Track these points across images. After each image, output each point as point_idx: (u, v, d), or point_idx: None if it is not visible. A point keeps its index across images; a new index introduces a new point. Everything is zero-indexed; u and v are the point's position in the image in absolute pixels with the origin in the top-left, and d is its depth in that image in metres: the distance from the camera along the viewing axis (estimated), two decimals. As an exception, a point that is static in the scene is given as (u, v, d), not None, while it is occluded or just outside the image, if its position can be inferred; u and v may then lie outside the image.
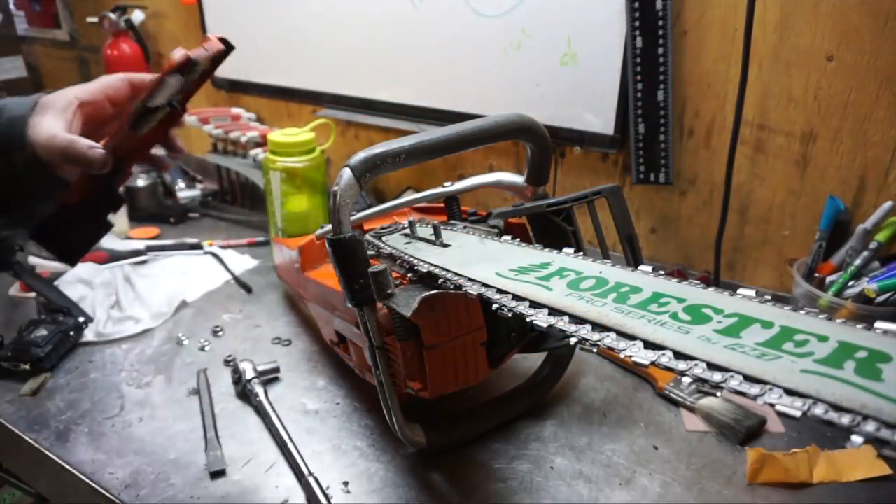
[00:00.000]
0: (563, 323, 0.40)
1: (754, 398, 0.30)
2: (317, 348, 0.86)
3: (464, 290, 0.49)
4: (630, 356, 0.35)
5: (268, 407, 0.71)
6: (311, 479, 0.60)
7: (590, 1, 0.91)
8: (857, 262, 0.77)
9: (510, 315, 0.44)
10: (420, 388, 0.61)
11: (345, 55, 1.25)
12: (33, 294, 0.94)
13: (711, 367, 0.32)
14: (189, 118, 1.35)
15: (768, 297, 0.38)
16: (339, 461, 0.64)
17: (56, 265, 1.01)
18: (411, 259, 0.57)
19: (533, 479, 0.61)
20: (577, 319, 0.40)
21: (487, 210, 0.71)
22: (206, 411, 0.72)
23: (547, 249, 0.53)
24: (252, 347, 0.86)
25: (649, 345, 0.35)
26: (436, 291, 0.53)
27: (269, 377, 0.77)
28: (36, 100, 0.57)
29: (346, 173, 0.54)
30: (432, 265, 0.54)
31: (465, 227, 0.65)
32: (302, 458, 0.63)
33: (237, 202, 1.43)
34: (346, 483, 0.61)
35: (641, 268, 0.45)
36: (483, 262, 0.53)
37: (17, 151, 0.55)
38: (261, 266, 1.11)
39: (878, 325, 0.32)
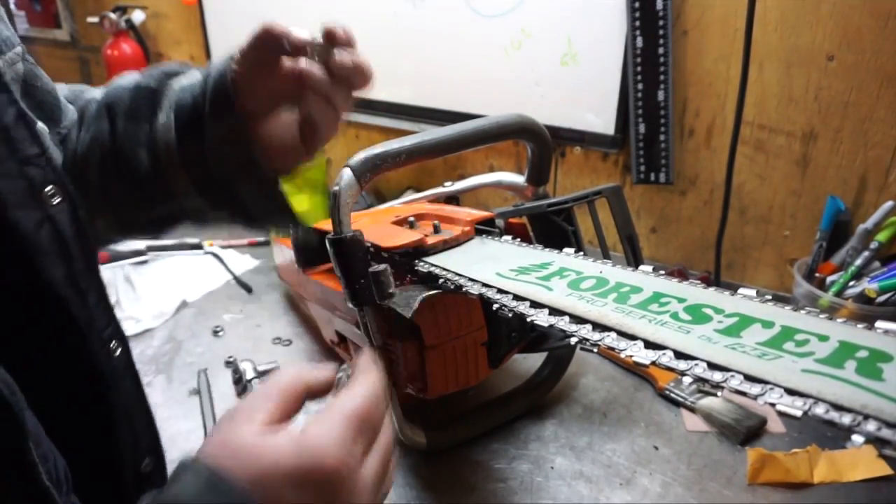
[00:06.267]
0: (563, 323, 0.40)
1: (755, 398, 0.30)
2: (317, 348, 0.86)
3: (464, 290, 0.49)
4: (631, 356, 0.35)
5: (268, 407, 0.71)
6: (311, 479, 0.60)
7: (590, 1, 0.91)
8: (858, 261, 0.77)
9: (511, 315, 0.44)
10: (420, 389, 0.61)
11: (345, 55, 1.25)
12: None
13: (712, 366, 0.32)
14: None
15: (769, 297, 0.38)
16: (339, 461, 0.64)
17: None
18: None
19: (533, 479, 0.61)
20: (578, 319, 0.40)
21: (487, 210, 0.71)
22: (206, 411, 0.72)
23: (547, 249, 0.53)
24: (252, 347, 0.86)
25: (650, 344, 0.36)
26: (436, 291, 0.53)
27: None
28: (231, 55, 0.48)
29: (347, 173, 0.54)
30: (433, 265, 0.54)
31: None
32: (302, 458, 0.63)
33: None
34: (346, 483, 0.61)
35: (642, 268, 0.45)
36: (483, 262, 0.53)
37: (226, 119, 0.46)
38: (261, 266, 1.11)
39: (879, 324, 0.32)
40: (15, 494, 0.30)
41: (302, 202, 1.07)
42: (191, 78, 0.49)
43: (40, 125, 0.42)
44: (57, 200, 0.37)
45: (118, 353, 0.40)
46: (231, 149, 0.47)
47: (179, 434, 0.69)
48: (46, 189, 0.36)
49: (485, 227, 0.63)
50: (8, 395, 0.29)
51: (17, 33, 0.45)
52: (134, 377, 0.43)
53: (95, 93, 0.53)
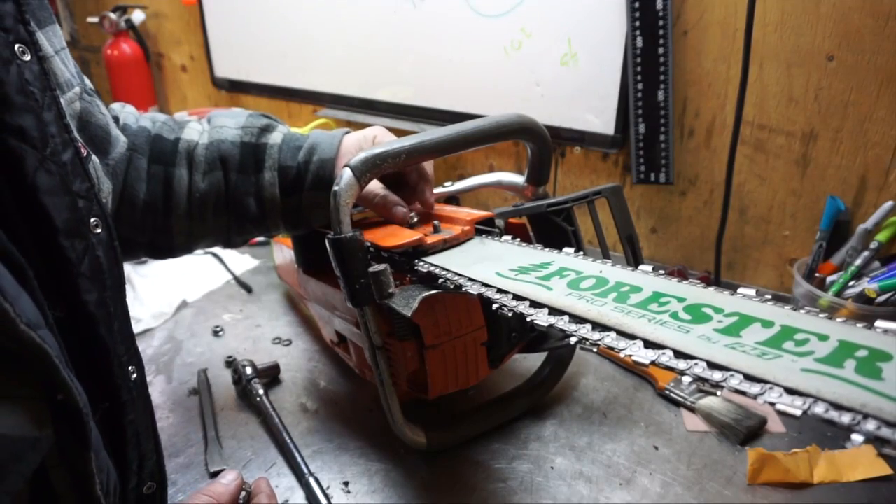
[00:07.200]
0: (563, 322, 0.40)
1: (755, 397, 0.30)
2: (317, 348, 0.86)
3: (464, 289, 0.49)
4: (630, 355, 0.35)
5: (268, 407, 0.71)
6: (311, 479, 0.60)
7: (590, 1, 0.91)
8: (858, 261, 0.77)
9: (510, 315, 0.44)
10: (420, 389, 0.61)
11: (345, 55, 1.25)
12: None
13: (712, 366, 0.32)
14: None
15: (768, 297, 0.38)
16: (339, 461, 0.64)
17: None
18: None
19: (533, 479, 0.61)
20: (578, 319, 0.40)
21: (487, 210, 0.71)
22: (206, 411, 0.72)
23: (547, 249, 0.53)
24: (252, 347, 0.86)
25: (649, 344, 0.36)
26: (436, 291, 0.53)
27: (270, 377, 0.77)
28: (341, 139, 0.63)
29: (347, 173, 0.54)
30: (433, 265, 0.54)
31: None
32: (302, 458, 0.63)
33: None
34: (346, 483, 0.61)
35: (642, 267, 0.45)
36: (483, 261, 0.53)
37: (324, 191, 0.61)
38: (261, 266, 1.11)
39: (879, 323, 0.32)
40: (70, 501, 0.33)
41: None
42: (287, 140, 0.64)
43: (94, 159, 0.48)
44: (98, 231, 0.39)
45: (134, 377, 0.43)
46: (323, 210, 0.63)
47: (179, 434, 0.69)
48: (92, 220, 0.39)
49: (485, 227, 0.63)
50: (82, 406, 0.32)
51: (77, 74, 0.51)
52: (146, 402, 0.45)
53: (193, 134, 0.64)
